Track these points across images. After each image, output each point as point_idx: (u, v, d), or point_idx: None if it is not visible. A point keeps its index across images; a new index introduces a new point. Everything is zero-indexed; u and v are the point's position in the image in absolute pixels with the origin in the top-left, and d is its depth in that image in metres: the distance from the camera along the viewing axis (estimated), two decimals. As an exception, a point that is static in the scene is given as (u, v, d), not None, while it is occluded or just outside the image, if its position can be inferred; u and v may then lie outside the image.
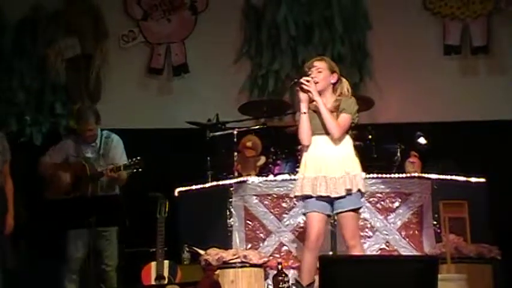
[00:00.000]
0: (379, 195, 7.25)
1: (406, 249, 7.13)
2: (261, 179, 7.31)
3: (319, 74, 5.90)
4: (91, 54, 9.02)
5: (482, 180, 7.45)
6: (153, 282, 6.57)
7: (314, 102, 5.88)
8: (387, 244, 7.18)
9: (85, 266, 6.85)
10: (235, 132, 7.75)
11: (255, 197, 7.26)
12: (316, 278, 5.57)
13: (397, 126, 8.56)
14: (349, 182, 5.78)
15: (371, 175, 7.24)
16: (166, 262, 6.63)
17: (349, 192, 5.79)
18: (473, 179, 7.43)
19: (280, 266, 6.90)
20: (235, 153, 7.66)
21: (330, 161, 5.82)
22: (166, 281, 6.55)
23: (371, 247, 7.14)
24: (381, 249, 7.16)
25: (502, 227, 7.48)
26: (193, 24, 9.13)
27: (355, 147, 6.68)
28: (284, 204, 7.23)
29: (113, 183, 7.06)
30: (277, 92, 8.85)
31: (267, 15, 9.00)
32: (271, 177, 7.35)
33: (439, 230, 7.11)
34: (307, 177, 5.84)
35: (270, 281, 6.95)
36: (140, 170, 6.91)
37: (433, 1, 8.98)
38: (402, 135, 7.93)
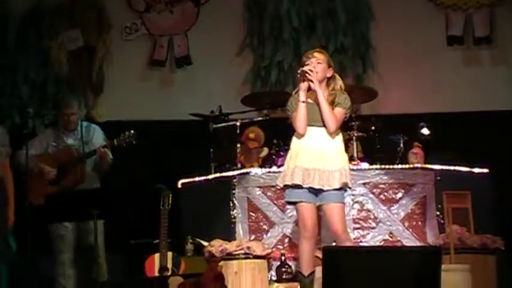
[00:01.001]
0: (382, 186, 7.24)
1: (409, 240, 7.13)
2: (264, 170, 7.32)
3: (318, 65, 5.90)
4: (94, 46, 9.03)
5: (485, 170, 7.45)
6: (156, 274, 6.58)
7: (311, 92, 5.87)
8: (390, 235, 7.17)
9: (77, 260, 6.86)
10: (238, 123, 7.76)
11: (258, 189, 7.27)
12: (318, 268, 5.58)
13: (400, 117, 8.56)
14: (345, 176, 5.79)
15: (374, 166, 7.26)
16: (169, 254, 6.64)
17: (344, 186, 5.80)
18: (476, 170, 7.43)
19: (283, 258, 6.91)
20: (238, 145, 7.67)
21: (325, 154, 5.82)
22: (169, 273, 6.57)
23: (374, 238, 7.14)
24: (384, 240, 7.16)
25: (505, 217, 7.49)
26: (196, 16, 9.12)
27: (358, 138, 6.70)
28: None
29: (101, 164, 7.00)
30: (280, 83, 8.85)
31: (269, 6, 8.99)
32: (274, 168, 7.35)
33: (442, 221, 7.11)
34: (299, 167, 5.82)
35: (273, 272, 6.97)
36: (134, 142, 6.88)
37: (435, -9, 8.98)
38: (405, 126, 7.91)
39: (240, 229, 7.23)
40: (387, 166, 7.30)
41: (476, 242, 6.86)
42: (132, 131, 6.90)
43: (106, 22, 9.03)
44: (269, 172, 7.29)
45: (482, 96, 8.79)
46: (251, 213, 7.26)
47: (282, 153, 7.59)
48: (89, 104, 8.85)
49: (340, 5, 8.89)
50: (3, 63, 8.83)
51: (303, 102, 5.85)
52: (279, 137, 7.65)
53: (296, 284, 6.42)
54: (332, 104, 5.86)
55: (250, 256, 6.80)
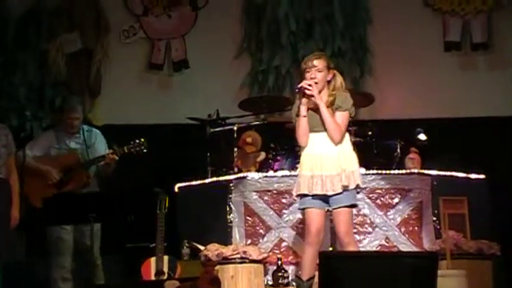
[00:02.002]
0: (379, 191, 7.24)
1: (405, 246, 7.14)
2: (261, 174, 7.32)
3: (319, 74, 5.87)
4: (92, 49, 9.03)
5: (482, 176, 7.46)
6: (152, 278, 6.57)
7: (313, 99, 5.86)
8: (387, 240, 7.18)
9: (74, 262, 6.85)
10: (235, 128, 7.76)
11: (254, 193, 7.27)
12: (316, 273, 5.58)
13: (397, 122, 8.57)
14: (346, 179, 5.77)
15: (371, 171, 7.26)
16: (166, 257, 6.63)
17: (345, 189, 5.78)
18: (473, 176, 7.43)
19: (279, 262, 6.91)
20: (235, 149, 7.67)
21: (326, 159, 5.81)
22: (165, 277, 6.56)
23: (371, 243, 7.14)
24: (380, 245, 7.16)
25: (501, 223, 7.49)
26: (194, 19, 9.13)
27: (355, 143, 6.68)
28: (284, 200, 7.23)
29: (105, 170, 7.01)
30: (278, 87, 8.85)
31: (267, 10, 9.00)
32: (271, 173, 7.36)
33: (438, 226, 7.11)
34: (304, 176, 5.84)
35: (269, 277, 6.96)
36: (145, 151, 6.90)
37: (433, -3, 9.00)
38: (402, 131, 7.92)
39: (237, 233, 7.22)
40: (384, 171, 7.31)
41: (473, 247, 6.86)
42: (142, 139, 6.91)
43: (104, 25, 9.04)
44: (266, 176, 7.30)
45: (479, 102, 8.80)
46: (248, 218, 7.26)
47: (278, 157, 7.61)
48: (86, 107, 8.85)
49: (338, 10, 8.90)
50: (0, 65, 8.83)
51: (304, 116, 5.84)
52: (276, 141, 7.66)
53: (292, 288, 6.44)
54: (332, 105, 5.85)
55: (247, 260, 6.80)
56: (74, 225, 6.73)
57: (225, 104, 8.36)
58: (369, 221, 7.20)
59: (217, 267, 6.63)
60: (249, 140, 7.68)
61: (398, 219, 7.20)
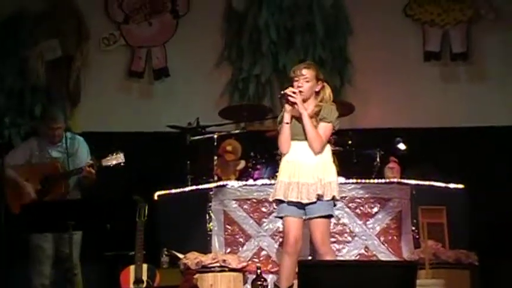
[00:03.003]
0: (359, 200, 7.26)
1: (384, 255, 7.15)
2: (241, 183, 7.32)
3: (306, 84, 5.89)
4: (72, 56, 8.98)
5: (460, 186, 7.49)
6: (131, 286, 6.55)
7: (296, 107, 5.87)
8: (366, 249, 7.19)
9: (54, 270, 6.81)
10: (215, 136, 7.77)
11: (234, 202, 7.26)
12: (295, 282, 5.58)
13: (377, 132, 8.59)
14: (321, 188, 5.78)
15: (350, 180, 7.28)
16: (145, 266, 6.61)
17: (320, 198, 5.78)
18: (452, 185, 7.47)
19: (259, 271, 6.90)
20: (215, 157, 7.67)
21: (303, 167, 5.82)
22: (144, 285, 6.54)
23: (350, 252, 7.15)
24: (359, 254, 7.18)
25: (480, 232, 7.52)
26: (175, 28, 9.12)
27: (335, 152, 6.70)
28: (263, 209, 7.23)
29: (87, 181, 6.98)
30: (258, 96, 8.86)
31: (248, 19, 9.00)
32: (250, 181, 7.36)
33: (417, 236, 7.13)
34: (281, 182, 5.85)
35: (248, 286, 6.96)
36: (123, 165, 6.87)
37: (413, 8, 9.02)
38: (382, 140, 7.95)
39: (216, 242, 7.22)
40: (363, 180, 7.33)
41: (451, 257, 6.89)
42: (119, 152, 6.86)
43: (84, 32, 9.00)
44: (246, 185, 7.30)
45: (459, 111, 8.84)
46: (227, 226, 7.26)
47: (258, 166, 7.61)
48: (66, 114, 8.81)
49: (319, 19, 8.92)
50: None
51: (287, 123, 5.85)
52: (256, 149, 7.67)
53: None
54: (317, 115, 5.86)
55: (226, 269, 6.81)
56: (54, 233, 6.69)
57: (205, 112, 8.35)
58: (348, 230, 7.21)
59: (197, 275, 6.64)
60: (229, 148, 7.69)
61: (378, 229, 7.22)
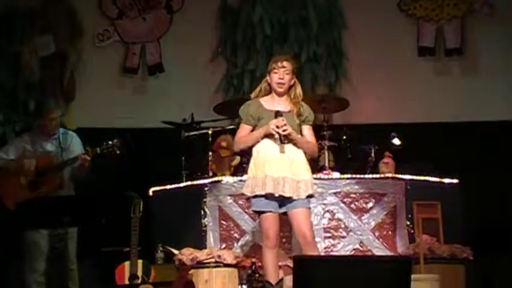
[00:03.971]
0: (353, 195, 7.27)
1: (379, 250, 7.16)
2: (236, 179, 7.31)
3: (287, 76, 5.90)
4: (66, 52, 8.97)
5: (455, 181, 7.50)
6: (126, 282, 6.55)
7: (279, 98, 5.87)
8: (361, 244, 7.20)
9: (49, 267, 6.81)
10: (210, 132, 7.76)
11: (229, 197, 7.26)
12: (289, 277, 5.58)
13: (372, 127, 8.60)
14: (311, 187, 5.82)
15: (345, 175, 7.28)
16: (140, 262, 6.60)
17: (310, 196, 5.82)
18: (446, 180, 7.48)
19: (254, 266, 6.90)
20: (210, 153, 7.66)
21: (295, 164, 5.82)
22: (139, 281, 6.53)
23: (345, 247, 7.16)
24: (354, 249, 7.18)
25: (474, 227, 7.54)
26: (169, 23, 9.12)
27: (329, 147, 6.71)
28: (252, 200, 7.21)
29: (80, 172, 6.97)
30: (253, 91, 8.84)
31: (242, 14, 9.00)
32: (245, 177, 7.34)
33: (412, 231, 7.14)
34: (269, 176, 5.80)
35: (244, 281, 6.95)
36: (118, 152, 6.86)
37: (407, 3, 9.04)
38: (376, 136, 7.95)
39: (211, 237, 7.21)
40: (358, 176, 7.33)
41: (446, 251, 6.90)
42: (115, 140, 6.86)
43: (78, 28, 8.99)
44: (241, 180, 7.27)
45: (453, 107, 8.86)
46: (222, 222, 7.25)
47: (253, 161, 7.59)
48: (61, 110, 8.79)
49: (313, 14, 8.92)
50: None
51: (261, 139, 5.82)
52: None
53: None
54: (298, 116, 5.86)
55: (221, 264, 6.79)
56: (49, 229, 6.69)
57: (200, 107, 8.35)
58: (343, 226, 7.21)
59: (192, 271, 6.62)
60: (223, 144, 7.67)
61: (373, 224, 7.23)
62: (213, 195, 7.28)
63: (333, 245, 7.14)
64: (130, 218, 6.72)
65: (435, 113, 8.82)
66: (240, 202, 7.24)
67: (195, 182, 7.44)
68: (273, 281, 5.83)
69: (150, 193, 7.58)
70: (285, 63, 5.91)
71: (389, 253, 7.11)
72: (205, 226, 7.23)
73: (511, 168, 8.42)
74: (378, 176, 7.39)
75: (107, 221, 6.31)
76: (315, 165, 7.10)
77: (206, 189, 7.30)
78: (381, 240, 7.20)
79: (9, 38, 8.86)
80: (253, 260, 7.00)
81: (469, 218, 7.44)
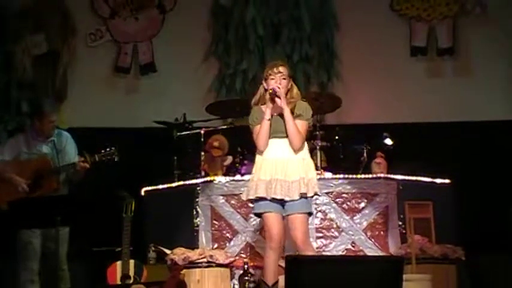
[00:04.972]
0: (345, 195, 7.27)
1: (371, 250, 7.17)
2: (228, 178, 7.32)
3: (283, 81, 5.89)
4: (58, 51, 8.96)
5: (447, 181, 7.52)
6: (118, 282, 6.54)
7: (279, 102, 5.86)
8: (353, 244, 7.21)
9: (41, 266, 6.80)
10: (202, 131, 7.76)
11: (221, 197, 7.27)
12: (281, 277, 5.58)
13: (364, 127, 8.60)
14: (305, 186, 5.79)
15: (337, 175, 7.29)
16: (132, 261, 6.60)
17: (304, 196, 5.79)
18: (438, 180, 7.49)
19: (246, 266, 6.91)
20: (202, 153, 7.66)
21: (287, 165, 5.81)
22: (131, 281, 6.53)
23: (337, 247, 7.17)
24: (346, 249, 7.19)
25: (466, 227, 7.55)
26: (161, 23, 9.11)
27: (322, 147, 6.69)
28: (251, 204, 7.20)
29: (76, 176, 6.95)
30: (245, 91, 8.85)
31: (235, 14, 9.00)
32: (238, 177, 7.36)
33: (404, 231, 7.15)
34: (262, 180, 5.82)
35: (236, 281, 6.96)
36: (116, 159, 6.85)
37: (399, 2, 9.05)
38: (369, 136, 7.96)
39: (203, 237, 7.21)
40: (350, 176, 7.34)
41: (438, 251, 6.91)
42: (113, 148, 6.84)
43: (71, 27, 8.98)
44: (233, 180, 7.30)
45: (445, 106, 8.87)
46: (214, 222, 7.26)
47: (246, 161, 7.60)
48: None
49: (305, 14, 8.93)
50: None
51: (268, 120, 5.84)
52: (243, 145, 7.65)
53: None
54: (292, 113, 5.86)
55: (213, 264, 6.80)
56: (42, 229, 6.67)
57: (192, 107, 8.35)
58: (335, 225, 7.22)
59: (184, 271, 6.63)
60: (216, 143, 7.68)
61: (365, 224, 7.24)
62: (205, 195, 7.28)
63: (325, 245, 7.15)
64: (122, 218, 6.73)
65: (427, 112, 8.83)
66: (232, 202, 7.25)
67: (187, 182, 7.44)
68: (270, 282, 5.82)
69: (142, 193, 7.59)
70: (281, 69, 5.91)
71: (381, 253, 7.12)
72: (198, 226, 7.23)
73: (503, 168, 8.44)
74: (370, 176, 7.40)
75: (99, 220, 6.30)
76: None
77: (198, 189, 7.30)
78: (372, 240, 7.21)
79: (2, 37, 8.84)
80: (246, 259, 7.01)
81: (461, 218, 7.45)
